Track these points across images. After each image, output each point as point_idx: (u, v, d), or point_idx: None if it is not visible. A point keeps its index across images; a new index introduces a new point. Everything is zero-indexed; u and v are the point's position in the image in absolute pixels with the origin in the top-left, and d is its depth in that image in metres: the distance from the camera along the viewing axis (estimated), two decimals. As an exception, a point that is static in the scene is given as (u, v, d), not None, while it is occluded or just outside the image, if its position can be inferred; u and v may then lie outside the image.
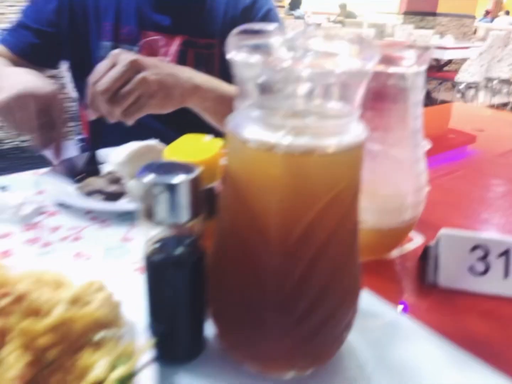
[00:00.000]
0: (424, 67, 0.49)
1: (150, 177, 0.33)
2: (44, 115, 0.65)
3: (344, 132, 0.33)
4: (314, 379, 0.39)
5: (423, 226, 0.60)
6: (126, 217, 0.64)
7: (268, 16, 0.97)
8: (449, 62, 5.75)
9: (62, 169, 0.71)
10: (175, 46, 0.96)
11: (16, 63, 0.90)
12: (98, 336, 0.35)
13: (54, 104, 0.67)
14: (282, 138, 0.31)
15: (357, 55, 0.32)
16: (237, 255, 0.36)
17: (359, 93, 0.33)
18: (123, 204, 0.65)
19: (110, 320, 0.37)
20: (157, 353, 0.35)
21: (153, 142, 0.73)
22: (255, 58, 0.32)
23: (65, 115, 0.68)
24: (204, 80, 0.73)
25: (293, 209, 0.33)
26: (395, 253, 0.59)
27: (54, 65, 1.03)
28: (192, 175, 0.34)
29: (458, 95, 5.12)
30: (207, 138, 0.43)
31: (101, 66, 0.63)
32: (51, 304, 0.34)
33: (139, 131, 0.74)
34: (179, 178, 0.33)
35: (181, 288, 0.37)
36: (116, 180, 0.67)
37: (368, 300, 0.48)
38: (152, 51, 0.97)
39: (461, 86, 4.99)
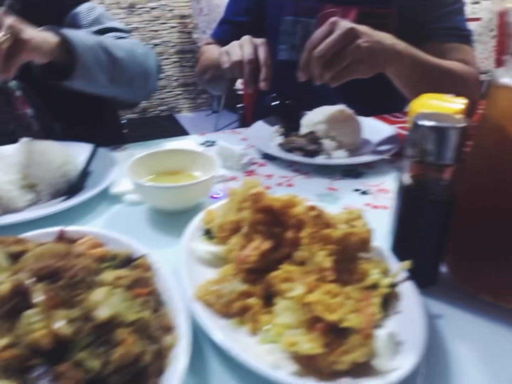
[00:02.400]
0: None
1: (429, 123, 0.39)
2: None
3: None
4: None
5: None
6: (324, 171, 0.73)
7: None
8: None
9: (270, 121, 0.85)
10: (351, 17, 1.01)
11: None
12: (364, 252, 0.44)
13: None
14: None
15: None
16: (491, 195, 0.41)
17: None
18: (323, 159, 0.74)
19: (368, 241, 0.45)
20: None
21: (342, 106, 0.81)
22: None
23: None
24: (403, 47, 0.76)
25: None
26: None
27: None
28: (462, 124, 0.40)
29: None
30: (450, 96, 0.48)
31: (318, 33, 0.70)
32: (333, 221, 0.43)
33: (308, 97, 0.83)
34: (454, 125, 0.39)
35: (431, 223, 0.43)
36: (315, 140, 0.76)
37: None
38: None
39: None
